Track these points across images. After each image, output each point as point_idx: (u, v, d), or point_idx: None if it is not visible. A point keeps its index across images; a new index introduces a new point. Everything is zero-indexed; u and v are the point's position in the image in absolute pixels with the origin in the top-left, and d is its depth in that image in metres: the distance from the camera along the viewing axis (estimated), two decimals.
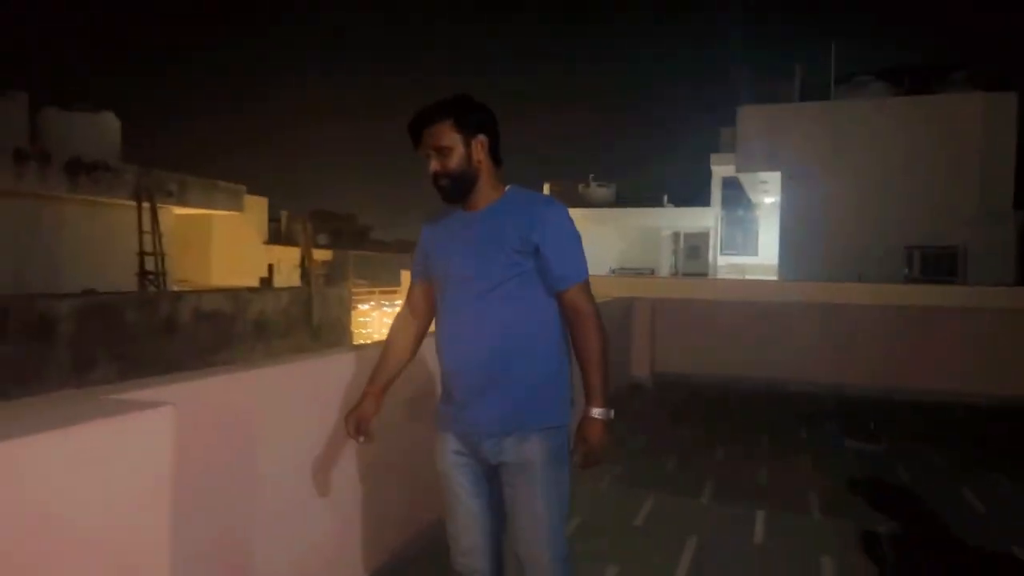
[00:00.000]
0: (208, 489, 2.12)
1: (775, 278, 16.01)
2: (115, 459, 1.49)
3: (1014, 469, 5.20)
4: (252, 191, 22.42)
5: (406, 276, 17.34)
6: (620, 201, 23.89)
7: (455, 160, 1.93)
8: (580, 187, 24.55)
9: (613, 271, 22.67)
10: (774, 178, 16.00)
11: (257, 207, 25.71)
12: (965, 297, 10.62)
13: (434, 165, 1.94)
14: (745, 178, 17.07)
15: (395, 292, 19.81)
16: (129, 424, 1.54)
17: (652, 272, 22.37)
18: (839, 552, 3.59)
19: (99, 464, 1.45)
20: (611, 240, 24.10)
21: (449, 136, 1.93)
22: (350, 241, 32.85)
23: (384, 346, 2.21)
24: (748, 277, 18.37)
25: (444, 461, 2.08)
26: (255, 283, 21.56)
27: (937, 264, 13.99)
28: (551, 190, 23.62)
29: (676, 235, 22.95)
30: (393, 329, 2.22)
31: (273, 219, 28.26)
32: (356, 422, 2.14)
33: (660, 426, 6.39)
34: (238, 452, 2.25)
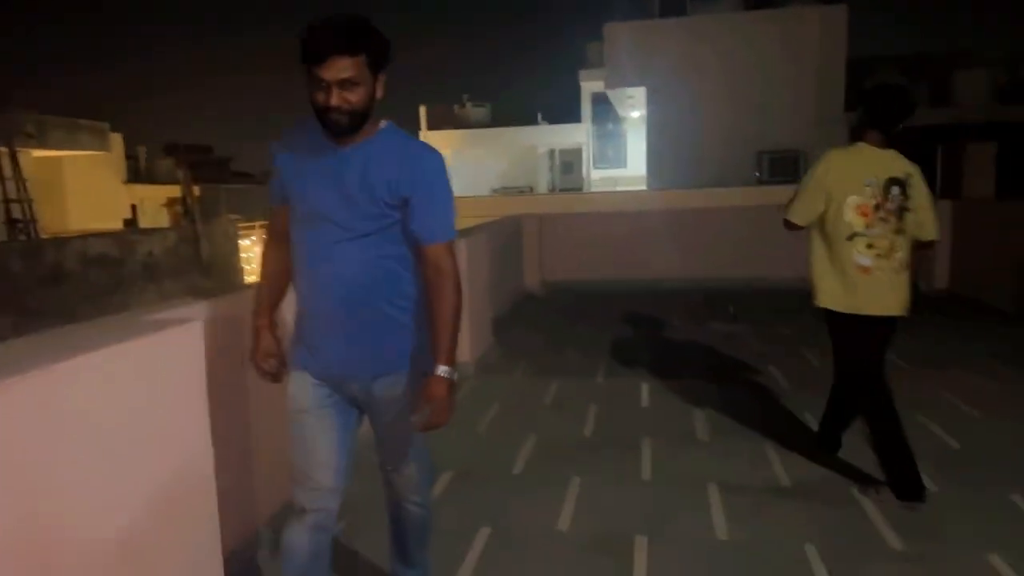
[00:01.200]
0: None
1: (644, 188, 17.19)
2: (157, 369, 1.90)
3: None
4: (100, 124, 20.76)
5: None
6: (496, 121, 24.23)
7: (359, 96, 1.78)
8: (456, 108, 24.61)
9: (495, 191, 23.24)
10: (640, 92, 16.92)
11: (113, 144, 23.89)
12: None
13: (335, 98, 1.75)
14: (613, 94, 17.90)
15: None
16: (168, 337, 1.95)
17: (531, 189, 23.14)
18: (709, 407, 4.50)
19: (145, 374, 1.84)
20: (490, 160, 24.54)
21: (360, 71, 1.76)
22: (212, 175, 31.10)
23: (261, 276, 2.14)
24: (620, 189, 19.53)
25: (304, 398, 2.01)
26: (118, 226, 20.38)
27: (783, 166, 15.60)
28: (427, 112, 23.59)
29: (551, 152, 23.73)
30: (265, 258, 2.12)
31: (129, 156, 26.36)
32: (266, 358, 2.10)
33: (554, 326, 7.19)
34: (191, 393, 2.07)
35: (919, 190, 3.24)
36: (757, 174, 16.08)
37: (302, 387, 2.01)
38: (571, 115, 22.44)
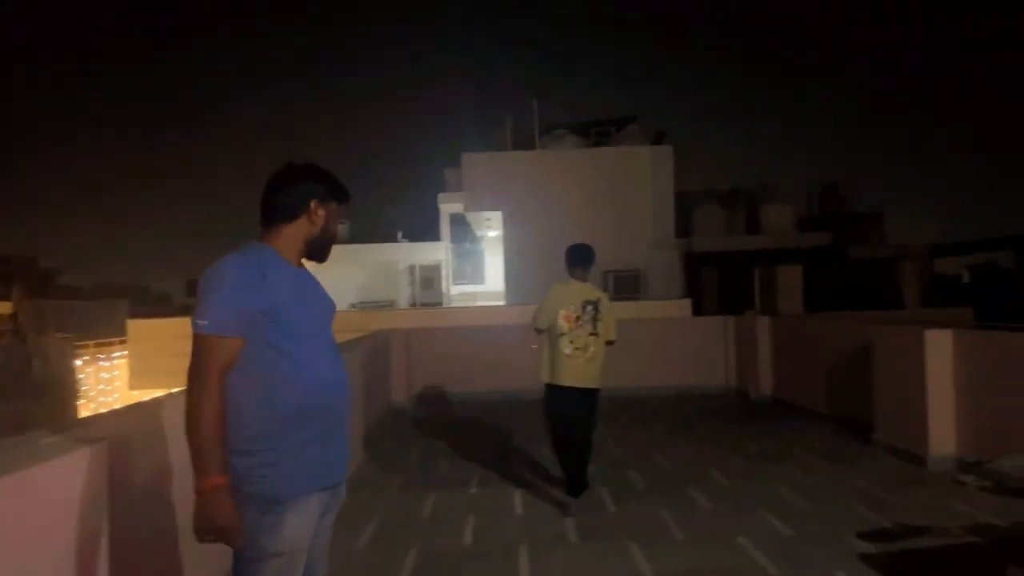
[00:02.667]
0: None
1: (502, 303, 17.97)
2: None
3: (689, 437, 7.06)
4: None
5: (136, 326, 16.07)
6: (355, 238, 24.52)
7: None
8: None
9: (353, 305, 23.16)
10: (496, 215, 18.05)
11: None
12: (646, 310, 13.28)
13: (340, 231, 2.29)
14: (471, 216, 18.94)
15: (113, 344, 18.02)
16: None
17: (391, 303, 23.31)
18: (577, 511, 4.80)
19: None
20: (351, 275, 24.55)
21: None
22: (29, 287, 28.48)
23: (212, 422, 1.84)
24: (479, 303, 20.22)
25: (308, 532, 2.02)
26: None
27: (627, 284, 17.04)
28: None
29: (412, 268, 24.23)
30: (213, 400, 1.86)
31: None
32: (234, 532, 1.88)
33: (426, 439, 7.29)
34: None
35: (606, 307, 4.99)
36: (604, 291, 17.38)
37: (307, 518, 1.98)
38: (429, 234, 23.25)
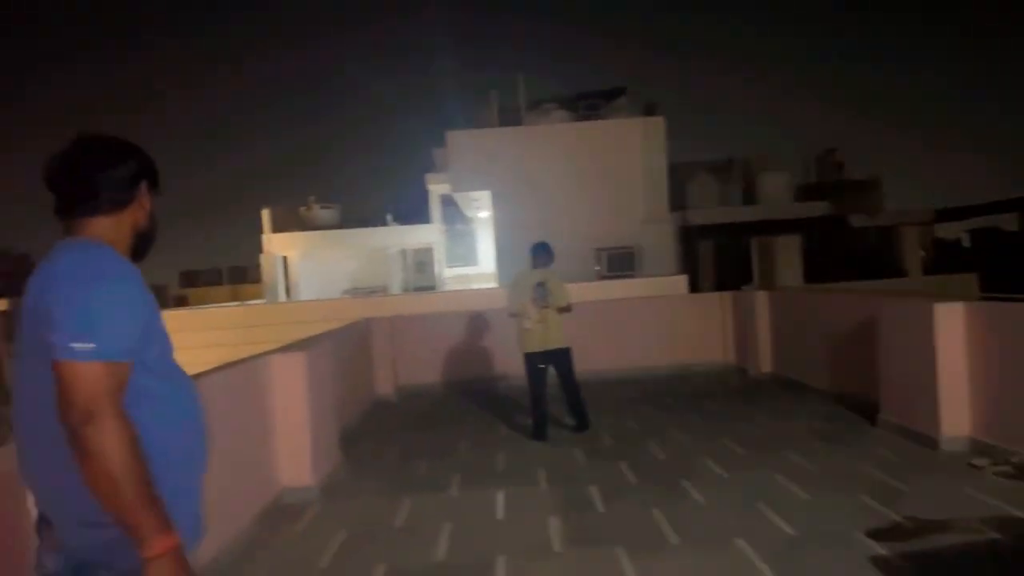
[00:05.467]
0: None
1: (495, 285, 17.57)
2: None
3: (685, 421, 6.70)
4: None
5: None
6: (345, 223, 24.05)
7: None
8: (301, 210, 24.19)
9: (346, 292, 22.76)
10: (485, 195, 17.57)
11: None
12: (640, 288, 12.87)
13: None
14: (459, 197, 18.46)
15: None
16: None
17: (384, 289, 22.92)
18: (563, 511, 4.44)
19: None
20: (341, 262, 24.13)
21: None
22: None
23: (139, 460, 1.44)
24: (473, 286, 19.83)
25: None
26: None
27: (620, 261, 16.62)
28: (272, 215, 22.96)
29: (403, 252, 23.79)
30: (133, 439, 1.45)
31: None
32: None
33: (408, 435, 6.92)
34: None
35: (554, 284, 6.27)
36: (597, 268, 16.99)
37: None
38: (420, 216, 22.78)
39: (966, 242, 31.26)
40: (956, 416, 5.16)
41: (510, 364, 9.45)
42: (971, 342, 5.14)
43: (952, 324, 5.19)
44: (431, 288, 21.82)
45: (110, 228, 1.61)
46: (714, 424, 6.55)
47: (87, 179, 1.59)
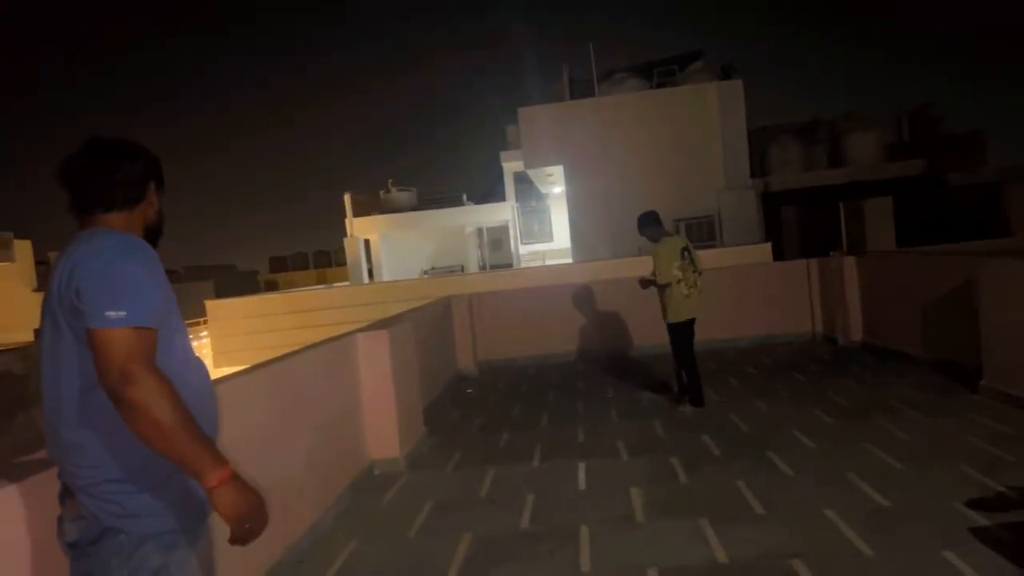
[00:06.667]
0: None
1: (571, 260, 17.53)
2: None
3: (767, 396, 6.54)
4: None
5: (214, 306, 16.61)
6: (422, 204, 24.48)
7: None
8: (381, 193, 24.78)
9: (425, 272, 23.26)
10: (559, 170, 17.48)
11: (19, 253, 22.85)
12: (723, 258, 12.55)
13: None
14: (533, 173, 18.43)
15: (199, 325, 18.78)
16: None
17: (462, 268, 23.27)
18: (646, 483, 4.45)
19: None
20: (419, 242, 24.65)
21: None
22: None
23: (183, 407, 1.58)
24: (548, 262, 19.86)
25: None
26: (29, 337, 19.26)
27: (700, 231, 16.24)
28: (352, 199, 23.64)
29: (479, 230, 24.05)
30: (170, 384, 1.58)
31: (40, 261, 25.26)
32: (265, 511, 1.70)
33: (490, 409, 7.07)
34: None
35: (693, 251, 6.24)
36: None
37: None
38: (495, 194, 22.91)
39: None
40: None
41: (588, 339, 9.49)
42: None
43: None
44: (508, 265, 21.99)
45: (123, 223, 1.77)
46: (802, 395, 6.37)
47: (105, 178, 1.74)
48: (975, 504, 3.55)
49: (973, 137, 21.09)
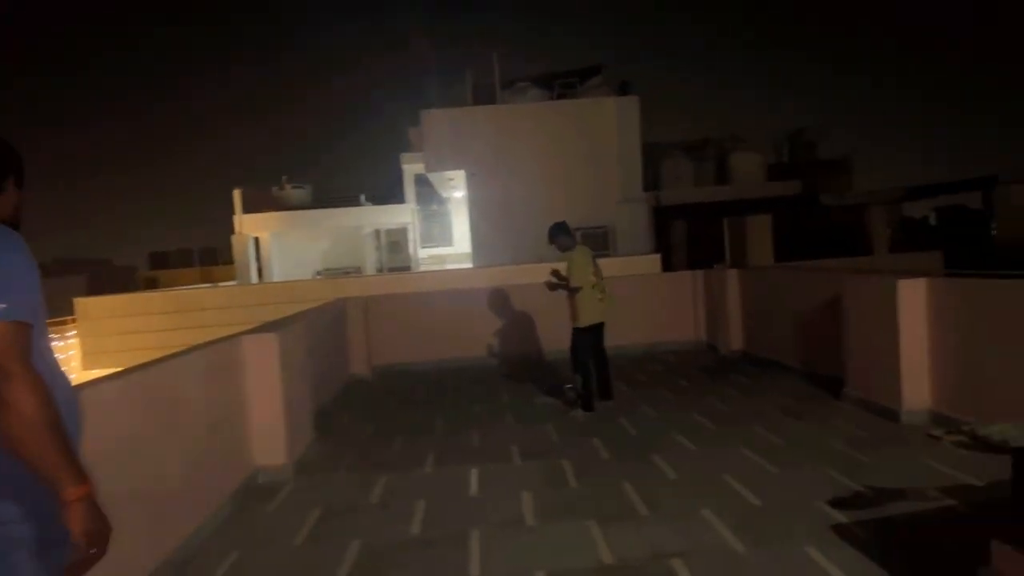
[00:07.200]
0: None
1: (471, 265, 17.57)
2: None
3: (654, 402, 6.81)
4: None
5: (84, 304, 15.40)
6: (317, 203, 23.80)
7: None
8: (274, 190, 23.89)
9: (319, 273, 22.60)
10: (460, 175, 17.49)
11: None
12: (614, 267, 12.96)
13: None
14: (434, 176, 18.36)
15: (67, 323, 17.37)
16: None
17: (358, 270, 22.79)
18: (536, 487, 4.51)
19: None
20: (313, 242, 23.92)
21: None
22: None
23: (56, 412, 1.51)
24: (448, 266, 19.81)
25: None
26: None
27: (594, 241, 16.69)
28: (243, 195, 22.63)
29: (377, 232, 23.65)
30: (46, 388, 1.51)
31: None
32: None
33: (383, 414, 6.96)
34: None
35: (596, 260, 6.60)
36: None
37: None
38: (394, 196, 22.63)
39: (933, 220, 31.85)
40: (917, 389, 5.32)
41: (487, 344, 9.53)
42: (932, 317, 5.29)
43: (913, 299, 5.33)
44: (406, 269, 21.75)
45: None
46: (685, 401, 6.68)
47: None
48: (836, 503, 3.84)
49: (843, 162, 22.90)
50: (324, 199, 23.82)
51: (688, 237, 19.27)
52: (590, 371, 6.47)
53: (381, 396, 7.93)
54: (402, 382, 8.58)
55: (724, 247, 17.65)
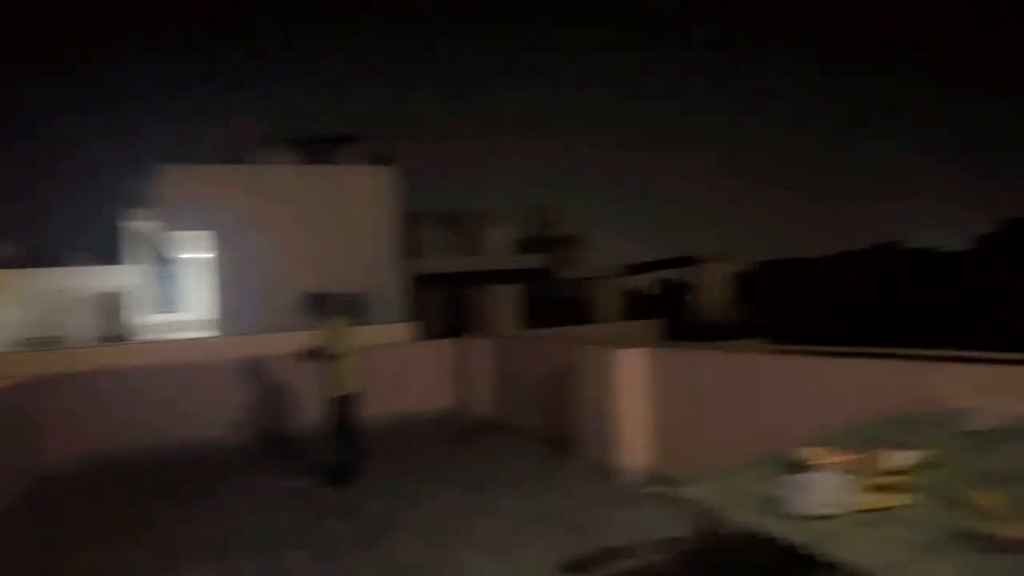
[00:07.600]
0: None
1: (211, 333, 16.07)
2: None
3: (402, 468, 6.61)
4: None
5: None
6: (15, 262, 20.33)
7: None
8: None
9: (16, 344, 19.06)
10: (197, 235, 16.10)
11: None
12: (368, 336, 12.69)
13: None
14: (169, 236, 16.69)
15: None
16: None
17: (61, 340, 19.63)
18: None
19: None
20: (12, 307, 20.21)
21: None
22: None
23: None
24: (182, 334, 17.90)
25: None
26: None
27: (350, 308, 16.29)
28: None
29: (95, 296, 20.70)
30: None
31: None
32: None
33: (84, 515, 5.86)
34: None
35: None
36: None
37: None
38: (115, 256, 20.16)
39: (657, 291, 36.42)
40: (635, 450, 5.81)
41: (231, 421, 8.55)
42: (646, 382, 5.86)
43: (631, 366, 5.87)
44: (120, 338, 19.23)
45: None
46: (429, 471, 6.59)
47: None
48: (568, 568, 3.95)
49: (577, 237, 25.32)
50: (22, 258, 20.44)
51: (444, 306, 19.72)
52: (356, 439, 6.40)
53: (82, 495, 6.71)
54: (118, 473, 7.36)
55: (468, 316, 18.32)
